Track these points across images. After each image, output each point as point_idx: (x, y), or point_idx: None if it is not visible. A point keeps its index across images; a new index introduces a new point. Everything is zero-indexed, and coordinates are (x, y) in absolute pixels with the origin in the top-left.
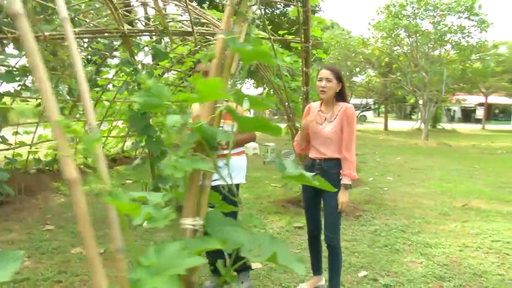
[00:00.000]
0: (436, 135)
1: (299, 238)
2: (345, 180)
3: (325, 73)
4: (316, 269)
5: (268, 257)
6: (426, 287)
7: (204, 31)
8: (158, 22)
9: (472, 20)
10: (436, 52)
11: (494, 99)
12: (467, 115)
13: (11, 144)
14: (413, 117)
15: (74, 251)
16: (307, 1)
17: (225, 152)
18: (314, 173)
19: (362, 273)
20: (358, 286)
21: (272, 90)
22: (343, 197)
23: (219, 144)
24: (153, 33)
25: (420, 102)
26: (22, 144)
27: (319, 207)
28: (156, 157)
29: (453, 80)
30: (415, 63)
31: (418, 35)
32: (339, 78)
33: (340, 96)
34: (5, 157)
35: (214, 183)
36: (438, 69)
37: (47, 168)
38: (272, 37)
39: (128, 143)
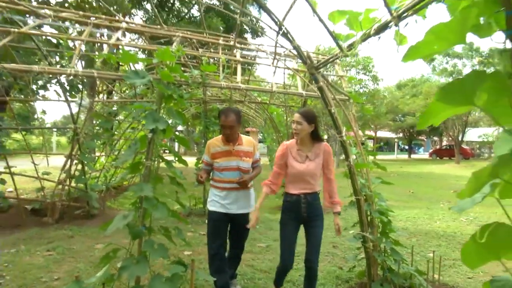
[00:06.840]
0: (340, 164)
1: None
2: (338, 208)
3: (296, 116)
4: None
5: None
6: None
7: (253, 101)
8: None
9: (368, 75)
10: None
11: (380, 133)
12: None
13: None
14: None
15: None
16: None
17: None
18: (302, 207)
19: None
20: None
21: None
22: (339, 221)
23: (242, 180)
24: (223, 101)
25: (326, 137)
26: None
27: (296, 238)
28: None
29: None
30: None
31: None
32: (309, 120)
33: (316, 135)
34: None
35: (242, 211)
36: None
37: None
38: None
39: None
